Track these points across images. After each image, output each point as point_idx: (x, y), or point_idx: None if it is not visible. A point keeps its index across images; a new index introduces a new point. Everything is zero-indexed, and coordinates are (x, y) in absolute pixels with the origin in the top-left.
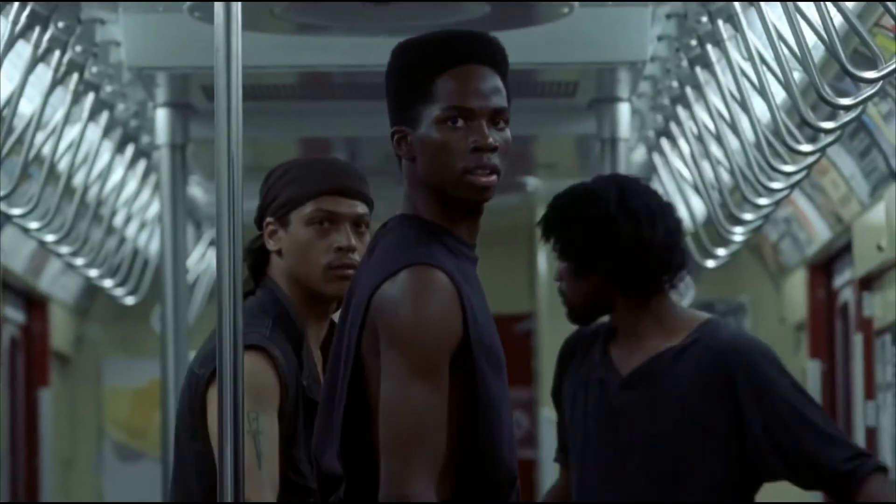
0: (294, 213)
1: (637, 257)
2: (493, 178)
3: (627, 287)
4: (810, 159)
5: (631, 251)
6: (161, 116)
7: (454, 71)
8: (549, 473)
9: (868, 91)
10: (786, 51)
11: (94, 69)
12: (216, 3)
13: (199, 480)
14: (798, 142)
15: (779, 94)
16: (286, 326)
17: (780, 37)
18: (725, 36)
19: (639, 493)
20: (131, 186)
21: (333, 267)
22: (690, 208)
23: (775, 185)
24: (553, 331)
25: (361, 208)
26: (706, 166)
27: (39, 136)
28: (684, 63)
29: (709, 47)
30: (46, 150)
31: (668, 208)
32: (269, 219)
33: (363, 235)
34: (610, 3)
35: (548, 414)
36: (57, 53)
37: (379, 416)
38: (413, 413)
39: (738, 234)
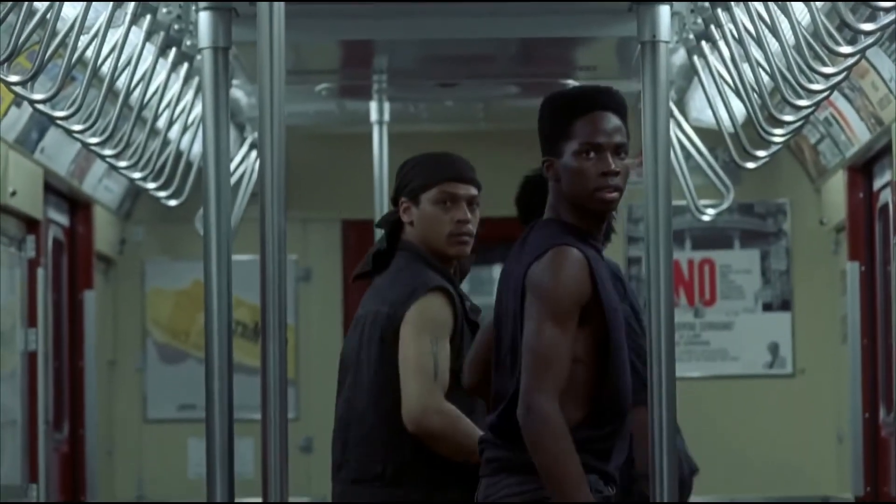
0: (424, 194)
1: None
2: (615, 194)
3: None
4: (850, 61)
5: None
6: (203, 19)
7: (588, 116)
8: None
9: None
10: None
11: None
12: None
13: (377, 406)
14: (838, 44)
15: None
16: (440, 272)
17: None
18: None
19: None
20: (174, 89)
21: (454, 234)
22: (730, 110)
23: (815, 87)
24: None
25: (474, 191)
26: (746, 69)
27: (82, 40)
28: None
29: None
30: (89, 53)
31: None
32: (403, 199)
33: (475, 211)
34: None
35: None
36: None
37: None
38: (544, 346)
39: (778, 135)
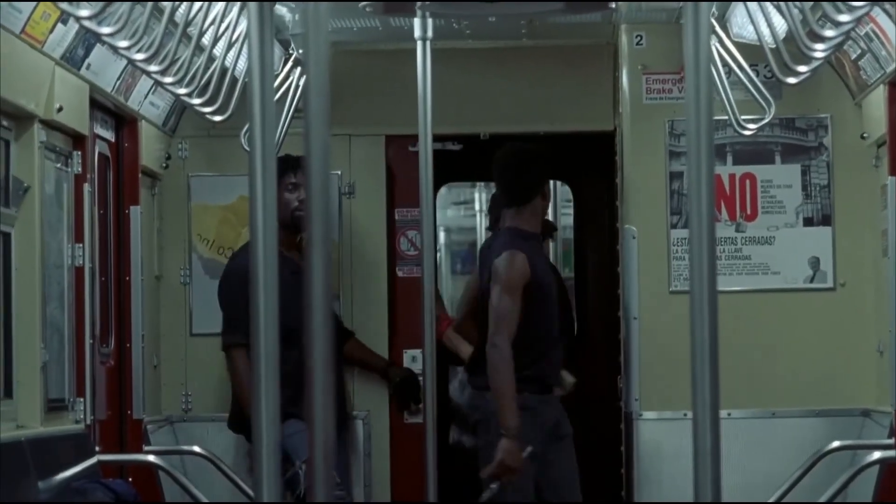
0: None
1: None
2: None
3: None
4: None
5: None
6: None
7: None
8: (632, 287)
9: None
10: None
11: None
12: None
13: None
14: None
15: None
16: None
17: None
18: None
19: None
20: (219, 6)
21: None
22: (772, 26)
23: (856, 2)
24: (635, 147)
25: None
26: None
27: None
28: None
29: None
30: None
31: None
32: None
33: None
34: None
35: (629, 229)
36: None
37: None
38: (502, 308)
39: (819, 51)
